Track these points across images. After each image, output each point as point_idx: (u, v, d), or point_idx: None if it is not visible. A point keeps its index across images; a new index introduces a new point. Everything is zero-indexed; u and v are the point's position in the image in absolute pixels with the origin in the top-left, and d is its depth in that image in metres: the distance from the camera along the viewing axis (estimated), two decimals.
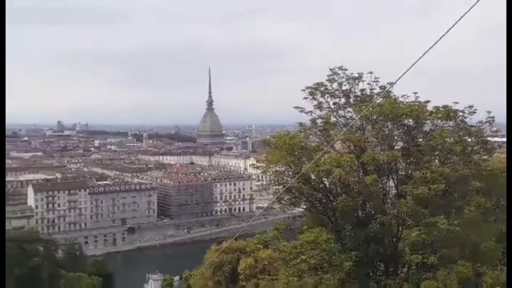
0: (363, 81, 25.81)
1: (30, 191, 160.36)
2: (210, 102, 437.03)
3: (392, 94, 24.94)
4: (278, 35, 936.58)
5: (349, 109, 26.49)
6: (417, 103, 25.02)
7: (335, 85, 26.07)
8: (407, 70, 10.63)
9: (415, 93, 25.39)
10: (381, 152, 24.25)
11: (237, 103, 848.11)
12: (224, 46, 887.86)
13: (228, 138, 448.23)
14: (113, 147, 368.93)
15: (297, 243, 23.34)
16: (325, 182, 25.36)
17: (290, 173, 25.71)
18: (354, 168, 24.55)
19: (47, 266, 42.53)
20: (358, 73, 25.93)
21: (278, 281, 24.30)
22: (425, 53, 10.09)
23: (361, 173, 24.76)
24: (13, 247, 41.35)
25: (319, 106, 26.57)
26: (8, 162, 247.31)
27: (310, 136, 27.19)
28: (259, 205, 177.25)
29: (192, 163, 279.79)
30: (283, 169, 25.96)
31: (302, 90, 26.41)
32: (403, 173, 25.06)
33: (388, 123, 25.13)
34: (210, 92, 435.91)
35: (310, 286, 22.39)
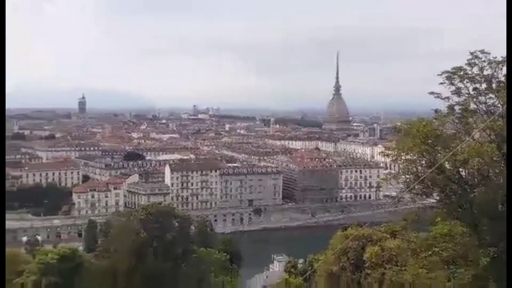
0: None
1: (167, 170, 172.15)
2: (337, 88, 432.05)
3: None
4: (412, 18, 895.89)
5: (491, 95, 24.57)
6: None
7: (475, 70, 24.32)
8: None
9: None
10: None
11: (366, 88, 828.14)
12: (355, 31, 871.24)
13: (355, 124, 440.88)
14: (242, 131, 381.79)
15: (429, 235, 22.38)
16: (462, 173, 23.89)
17: (423, 162, 24.60)
18: (494, 159, 22.79)
19: (182, 240, 45.26)
20: (502, 57, 23.90)
21: (406, 272, 23.53)
22: None
23: (502, 165, 22.93)
24: (153, 221, 44.48)
25: (457, 92, 25.00)
26: (148, 143, 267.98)
27: (446, 124, 25.73)
28: (386, 193, 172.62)
29: (317, 148, 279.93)
30: (415, 157, 24.93)
31: (438, 75, 25.03)
32: None
33: None
34: (337, 77, 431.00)
35: (440, 279, 21.43)
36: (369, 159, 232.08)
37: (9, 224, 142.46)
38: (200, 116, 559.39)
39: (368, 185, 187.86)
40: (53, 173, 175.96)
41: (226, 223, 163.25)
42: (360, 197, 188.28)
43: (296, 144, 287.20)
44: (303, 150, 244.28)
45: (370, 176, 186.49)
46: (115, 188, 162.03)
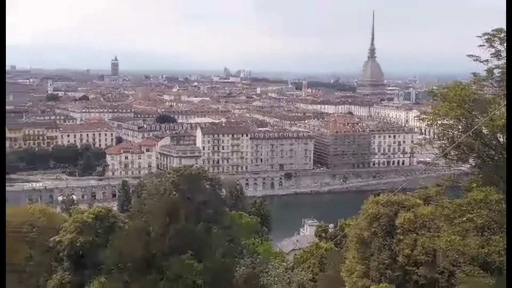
0: None
1: (198, 133, 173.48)
2: (372, 50, 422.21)
3: None
4: None
5: None
6: None
7: None
8: None
9: None
10: None
11: (401, 51, 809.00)
12: None
13: (389, 88, 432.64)
14: (273, 95, 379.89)
15: (463, 201, 21.82)
16: (500, 138, 23.06)
17: (459, 127, 23.82)
18: None
19: (213, 203, 45.75)
20: None
21: (439, 238, 23.14)
22: None
23: None
24: (184, 183, 44.97)
25: (496, 55, 23.87)
26: (179, 105, 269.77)
27: (485, 88, 24.74)
28: (421, 159, 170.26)
29: (350, 113, 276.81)
30: (451, 122, 24.14)
31: (477, 37, 23.90)
32: None
33: None
34: (372, 39, 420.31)
35: (474, 246, 21.00)
36: (403, 124, 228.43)
37: (45, 183, 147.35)
38: (231, 79, 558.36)
39: (401, 150, 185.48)
40: (87, 135, 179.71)
41: (257, 187, 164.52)
42: (393, 163, 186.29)
43: (329, 109, 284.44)
44: (335, 114, 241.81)
45: (404, 142, 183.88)
46: (147, 150, 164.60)
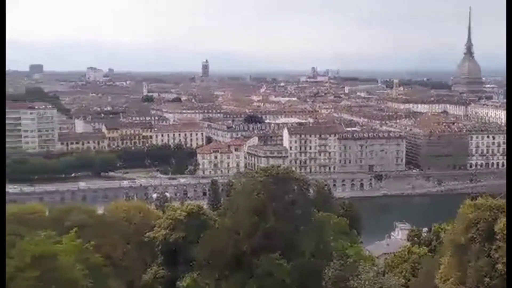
0: None
1: (285, 133, 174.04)
2: (469, 46, 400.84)
3: None
4: None
5: None
6: None
7: None
8: None
9: None
10: None
11: (499, 46, 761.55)
12: None
13: (487, 86, 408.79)
14: (362, 94, 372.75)
15: None
16: None
17: None
18: None
19: (301, 203, 45.43)
20: None
21: None
22: None
23: None
24: (272, 182, 45.04)
25: None
26: (267, 106, 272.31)
27: None
28: None
29: (445, 112, 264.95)
30: None
31: None
32: None
33: None
34: (469, 36, 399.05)
35: None
36: (503, 124, 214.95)
37: (141, 181, 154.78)
38: (319, 78, 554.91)
39: (501, 152, 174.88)
40: (179, 134, 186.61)
41: (345, 188, 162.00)
42: (492, 165, 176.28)
43: (422, 108, 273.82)
44: (429, 113, 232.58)
45: (504, 142, 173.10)
46: (236, 150, 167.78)
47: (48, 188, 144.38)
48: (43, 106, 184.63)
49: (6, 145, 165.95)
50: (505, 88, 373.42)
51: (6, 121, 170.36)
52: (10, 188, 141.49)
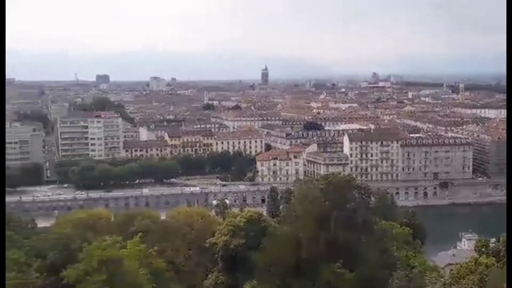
0: None
1: (345, 140, 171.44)
2: None
3: None
4: None
5: None
6: None
7: None
8: None
9: None
10: None
11: None
12: None
13: None
14: (426, 99, 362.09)
15: None
16: None
17: None
18: None
19: (362, 211, 44.51)
20: None
21: None
22: None
23: None
24: (333, 190, 44.46)
25: None
26: (326, 112, 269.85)
27: None
28: None
29: None
30: None
31: None
32: None
33: None
34: None
35: None
36: None
37: (201, 188, 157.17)
38: (380, 83, 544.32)
39: None
40: (239, 142, 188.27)
41: (408, 197, 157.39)
42: None
43: (490, 113, 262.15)
44: (497, 119, 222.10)
45: None
46: (295, 157, 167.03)
47: (113, 194, 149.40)
48: (109, 115, 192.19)
49: (74, 153, 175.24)
50: None
51: (75, 130, 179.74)
52: (77, 194, 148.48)
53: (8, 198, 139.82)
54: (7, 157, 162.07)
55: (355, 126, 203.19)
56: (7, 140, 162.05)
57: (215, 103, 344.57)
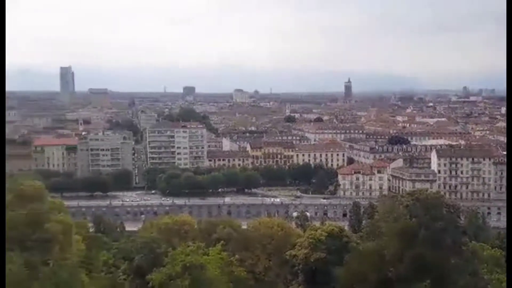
0: None
1: (433, 156, 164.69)
2: None
3: None
4: None
5: None
6: None
7: None
8: None
9: None
10: None
11: None
12: None
13: None
14: None
15: None
16: None
17: None
18: None
19: (451, 231, 42.28)
20: None
21: None
22: None
23: None
24: (420, 207, 42.82)
25: None
26: (413, 126, 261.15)
27: None
28: None
29: None
30: None
31: None
32: None
33: None
34: None
35: None
36: None
37: (282, 199, 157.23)
38: (471, 98, 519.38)
39: None
40: (320, 154, 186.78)
41: (501, 217, 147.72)
42: None
43: None
44: None
45: None
46: (379, 172, 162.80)
47: (197, 201, 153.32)
48: (195, 126, 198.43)
49: (162, 161, 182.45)
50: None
51: (162, 139, 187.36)
52: (163, 200, 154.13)
53: (99, 202, 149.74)
54: (100, 163, 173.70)
55: (444, 141, 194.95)
56: (101, 147, 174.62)
57: (297, 115, 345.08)
